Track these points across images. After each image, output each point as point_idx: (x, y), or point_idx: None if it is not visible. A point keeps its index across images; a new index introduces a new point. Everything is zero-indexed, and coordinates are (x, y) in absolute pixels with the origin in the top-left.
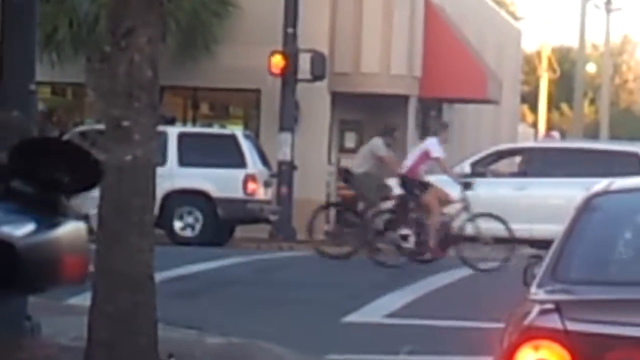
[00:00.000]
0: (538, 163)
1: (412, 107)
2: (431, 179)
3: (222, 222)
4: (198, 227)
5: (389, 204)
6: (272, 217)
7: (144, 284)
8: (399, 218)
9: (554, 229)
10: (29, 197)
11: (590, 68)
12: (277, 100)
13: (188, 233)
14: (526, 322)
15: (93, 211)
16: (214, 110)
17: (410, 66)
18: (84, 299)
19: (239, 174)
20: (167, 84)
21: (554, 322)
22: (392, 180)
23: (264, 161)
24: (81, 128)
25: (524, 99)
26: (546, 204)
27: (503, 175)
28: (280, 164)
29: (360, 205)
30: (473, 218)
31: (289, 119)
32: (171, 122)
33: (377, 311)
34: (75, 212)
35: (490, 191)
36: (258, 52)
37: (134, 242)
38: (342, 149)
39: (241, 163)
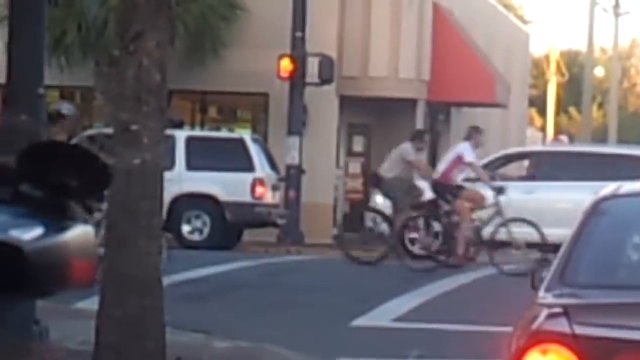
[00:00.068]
0: (546, 167)
1: (420, 110)
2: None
3: (230, 225)
4: (206, 230)
5: (420, 209)
6: (280, 221)
7: (152, 288)
8: (428, 223)
9: (562, 233)
10: (37, 200)
11: (599, 72)
12: (285, 104)
13: (196, 237)
14: (534, 325)
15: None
16: (222, 114)
17: (419, 70)
18: (92, 303)
19: (247, 177)
20: (176, 87)
21: (562, 326)
22: (422, 183)
23: (272, 165)
24: (89, 132)
25: (532, 103)
26: (554, 207)
27: (511, 179)
28: (288, 167)
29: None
30: (506, 223)
31: (297, 123)
32: (179, 125)
33: (384, 315)
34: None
35: None
36: (266, 55)
37: (142, 245)
38: (350, 153)
39: (249, 167)
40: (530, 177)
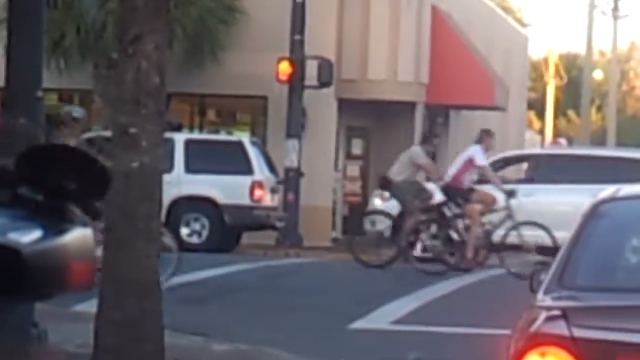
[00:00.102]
0: (545, 170)
1: (419, 113)
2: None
3: (228, 228)
4: (205, 233)
5: (429, 212)
6: (279, 224)
7: (150, 290)
8: (438, 226)
9: (561, 236)
10: (36, 203)
11: (598, 75)
12: (284, 106)
13: (195, 239)
14: (533, 328)
15: None
16: (221, 116)
17: (417, 73)
18: (91, 306)
19: (245, 180)
20: (174, 90)
21: (560, 328)
22: (431, 186)
23: (271, 168)
24: (88, 135)
25: (531, 106)
26: (553, 210)
27: (510, 181)
28: (287, 170)
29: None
30: (517, 226)
31: (295, 126)
32: (178, 128)
33: (383, 318)
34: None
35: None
36: (265, 58)
37: (141, 248)
38: (349, 156)
39: (248, 170)
40: (529, 180)
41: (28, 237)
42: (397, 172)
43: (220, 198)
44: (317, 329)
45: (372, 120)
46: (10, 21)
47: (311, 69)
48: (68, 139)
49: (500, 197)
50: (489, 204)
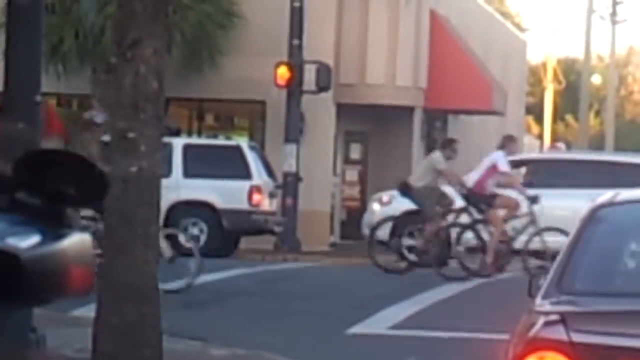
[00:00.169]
0: (543, 174)
1: (418, 118)
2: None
3: (227, 233)
4: (203, 238)
5: (452, 218)
6: (277, 229)
7: (149, 295)
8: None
9: (559, 240)
10: (34, 208)
11: (596, 79)
12: (283, 111)
13: (192, 245)
14: (531, 333)
15: None
16: (219, 121)
17: (416, 77)
18: (89, 311)
19: (244, 185)
20: (173, 95)
21: (559, 333)
22: (450, 190)
23: (269, 172)
24: None
25: (529, 110)
26: (552, 215)
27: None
28: (286, 175)
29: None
30: (539, 232)
31: (294, 130)
32: (176, 133)
33: (381, 323)
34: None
35: None
36: (263, 63)
37: (139, 253)
38: (347, 160)
39: (246, 174)
40: (527, 184)
41: (26, 242)
42: (418, 178)
43: (219, 203)
44: (315, 333)
45: (371, 125)
46: (9, 26)
47: (309, 74)
48: (89, 144)
49: (523, 203)
50: (512, 210)
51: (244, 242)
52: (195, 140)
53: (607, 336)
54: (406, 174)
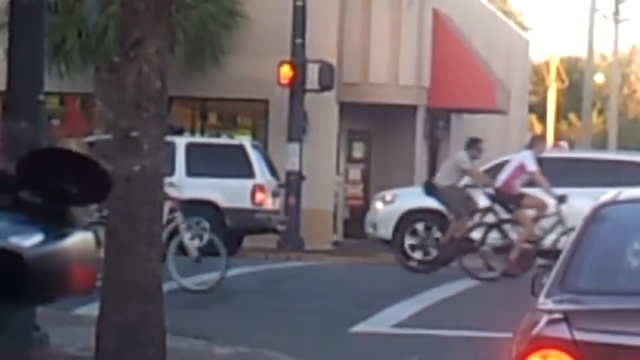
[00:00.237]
0: (546, 173)
1: (420, 117)
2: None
3: (230, 232)
4: (206, 237)
5: (478, 218)
6: (280, 227)
7: (152, 294)
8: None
9: (562, 239)
10: (37, 207)
11: (599, 78)
12: (285, 110)
13: (196, 243)
14: (534, 331)
15: None
16: (222, 120)
17: (419, 76)
18: (92, 309)
19: (247, 184)
20: (176, 94)
21: (562, 331)
22: (475, 192)
23: (272, 171)
24: (89, 138)
25: (532, 109)
26: None
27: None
28: (289, 174)
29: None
30: (567, 232)
31: (297, 129)
32: (179, 132)
33: (384, 321)
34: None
35: None
36: (266, 62)
37: (143, 252)
38: (350, 159)
39: (249, 173)
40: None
41: (29, 241)
42: (443, 178)
43: (222, 201)
44: (318, 332)
45: (374, 124)
46: (12, 25)
47: (312, 73)
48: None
49: (550, 203)
50: (540, 210)
51: (247, 241)
52: (198, 139)
53: (610, 334)
54: (409, 173)
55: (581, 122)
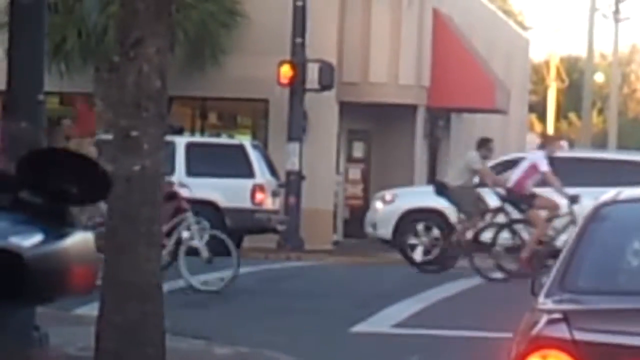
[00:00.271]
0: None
1: (420, 116)
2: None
3: (230, 231)
4: (206, 236)
5: (489, 218)
6: (280, 227)
7: (152, 294)
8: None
9: (562, 238)
10: (37, 207)
11: (599, 77)
12: (285, 110)
13: (196, 243)
14: (534, 331)
15: None
16: (222, 120)
17: (419, 76)
18: (92, 309)
19: (247, 184)
20: (176, 94)
21: (561, 331)
22: (485, 192)
23: (272, 171)
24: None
25: (532, 109)
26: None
27: None
28: (289, 173)
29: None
30: None
31: (297, 129)
32: (179, 132)
33: (384, 321)
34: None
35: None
36: (266, 62)
37: (142, 252)
38: (350, 159)
39: (249, 173)
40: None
41: (29, 241)
42: (454, 178)
43: (222, 201)
44: (318, 332)
45: (374, 124)
46: (12, 25)
47: (312, 72)
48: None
49: (563, 203)
50: (552, 210)
51: (247, 241)
52: (198, 138)
53: (610, 334)
54: (409, 173)
55: (581, 121)
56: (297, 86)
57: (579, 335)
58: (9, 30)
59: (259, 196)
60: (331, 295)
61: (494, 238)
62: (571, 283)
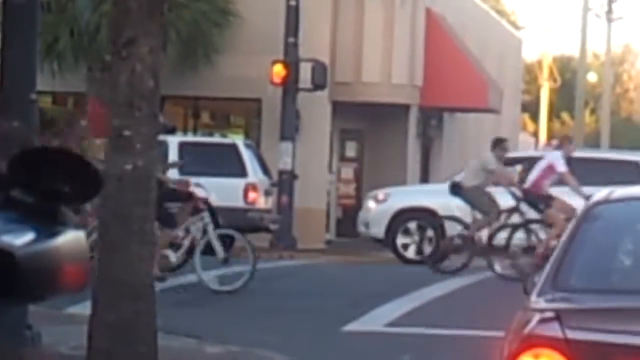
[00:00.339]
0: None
1: (413, 116)
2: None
3: None
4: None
5: (504, 218)
6: (273, 226)
7: (144, 293)
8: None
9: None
10: (28, 206)
11: (591, 77)
12: (278, 109)
13: (188, 242)
14: (526, 330)
15: None
16: (215, 119)
17: (411, 75)
18: (84, 308)
19: (239, 183)
20: (168, 93)
21: (554, 330)
22: (498, 191)
23: (265, 170)
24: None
25: (524, 108)
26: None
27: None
28: (281, 173)
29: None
30: None
31: (289, 128)
32: (172, 131)
33: (377, 320)
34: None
35: None
36: (259, 61)
37: (135, 250)
38: (343, 158)
39: (242, 172)
40: (523, 182)
41: (21, 239)
42: (469, 178)
43: (214, 200)
44: (311, 331)
45: (366, 123)
46: (4, 24)
47: (305, 72)
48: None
49: (580, 204)
50: (569, 213)
51: (240, 240)
52: (191, 138)
53: (603, 333)
54: (402, 172)
55: (574, 121)
56: (289, 86)
57: (572, 334)
58: (2, 30)
59: (251, 195)
60: (324, 295)
61: (509, 239)
62: (564, 282)
